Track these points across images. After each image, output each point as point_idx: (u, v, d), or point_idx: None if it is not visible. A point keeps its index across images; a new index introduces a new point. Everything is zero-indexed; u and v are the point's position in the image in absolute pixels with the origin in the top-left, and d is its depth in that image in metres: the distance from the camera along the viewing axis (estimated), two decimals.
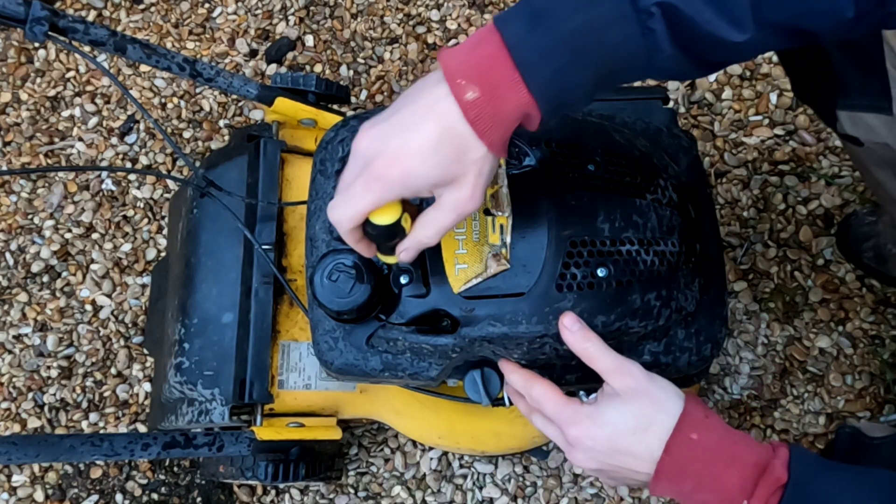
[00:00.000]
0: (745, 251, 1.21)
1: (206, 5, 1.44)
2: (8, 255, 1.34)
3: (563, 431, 0.66)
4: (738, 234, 1.22)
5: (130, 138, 1.38)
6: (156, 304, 1.17)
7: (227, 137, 1.36)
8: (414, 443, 1.19)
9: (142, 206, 1.34)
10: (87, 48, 1.31)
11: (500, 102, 0.53)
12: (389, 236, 0.62)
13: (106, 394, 1.26)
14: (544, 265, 0.69)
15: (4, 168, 1.39)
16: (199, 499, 1.21)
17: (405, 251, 0.62)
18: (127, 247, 1.32)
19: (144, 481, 1.22)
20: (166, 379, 1.01)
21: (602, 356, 0.66)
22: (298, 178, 1.03)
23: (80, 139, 1.39)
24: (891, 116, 0.72)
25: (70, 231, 1.34)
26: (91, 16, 1.45)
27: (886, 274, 1.14)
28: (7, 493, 1.22)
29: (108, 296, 1.30)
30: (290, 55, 1.40)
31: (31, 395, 1.27)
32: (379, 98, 1.36)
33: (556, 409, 0.67)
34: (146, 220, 1.33)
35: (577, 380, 0.75)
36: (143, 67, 1.41)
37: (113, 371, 1.27)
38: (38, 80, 1.43)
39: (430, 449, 1.18)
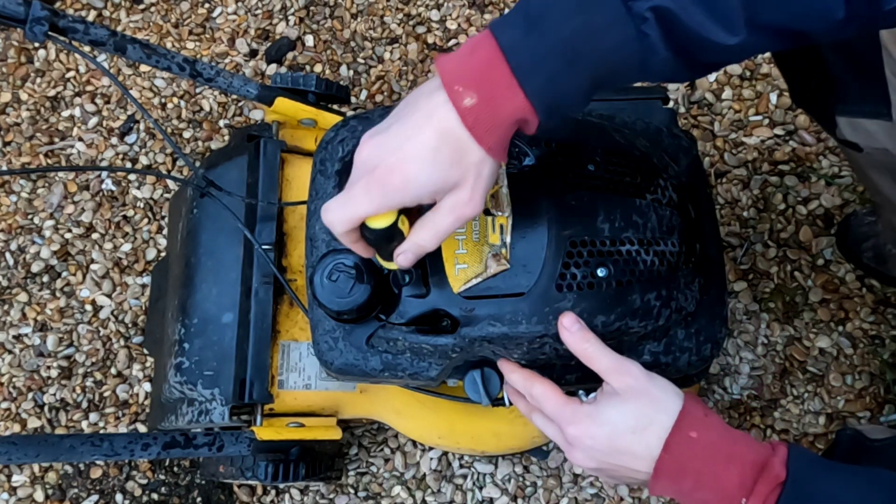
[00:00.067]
0: (745, 251, 1.21)
1: (206, 5, 1.44)
2: (8, 255, 1.34)
3: (563, 430, 0.66)
4: (738, 234, 1.22)
5: (130, 138, 1.38)
6: (156, 304, 1.17)
7: (227, 137, 1.36)
8: (414, 443, 1.19)
9: (142, 206, 1.34)
10: (87, 48, 1.31)
11: (497, 107, 0.53)
12: (387, 239, 0.62)
13: (106, 394, 1.26)
14: (544, 265, 0.69)
15: (4, 168, 1.39)
16: (199, 499, 1.21)
17: (403, 254, 0.62)
18: (127, 247, 1.32)
19: (144, 481, 1.22)
20: (166, 379, 1.01)
21: (601, 356, 0.66)
22: (298, 178, 1.03)
23: (80, 139, 1.39)
24: (890, 122, 0.72)
25: (70, 231, 1.34)
26: (91, 16, 1.45)
27: (886, 274, 1.14)
28: (7, 493, 1.22)
29: (108, 296, 1.30)
30: (290, 55, 1.40)
31: (31, 395, 1.27)
32: (379, 98, 1.36)
33: (555, 409, 0.67)
34: (146, 220, 1.33)
35: (577, 380, 0.75)
36: (143, 67, 1.41)
37: (113, 371, 1.27)
38: (38, 80, 1.43)
39: (430, 449, 1.18)
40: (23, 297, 1.32)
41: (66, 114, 1.41)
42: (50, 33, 0.85)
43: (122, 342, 1.28)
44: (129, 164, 1.37)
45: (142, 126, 1.39)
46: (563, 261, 0.69)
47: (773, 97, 1.27)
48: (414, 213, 0.62)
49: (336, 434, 0.99)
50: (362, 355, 0.76)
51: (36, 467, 1.24)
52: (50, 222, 1.35)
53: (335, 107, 1.13)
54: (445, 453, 1.18)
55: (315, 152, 0.82)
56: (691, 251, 0.76)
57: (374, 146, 0.57)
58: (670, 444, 0.62)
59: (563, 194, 0.71)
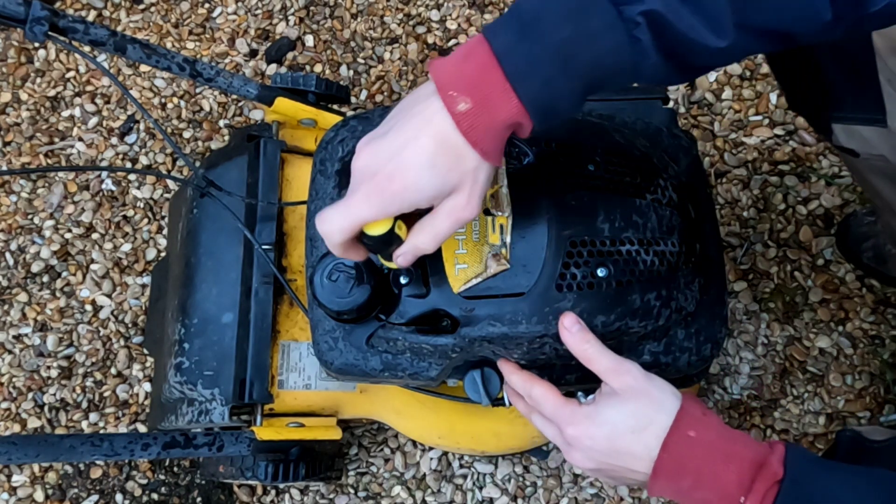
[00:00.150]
0: (745, 251, 1.21)
1: (206, 5, 1.44)
2: (8, 255, 1.34)
3: (562, 431, 0.66)
4: (738, 234, 1.22)
5: (130, 138, 1.38)
6: (156, 304, 1.18)
7: (227, 137, 1.36)
8: (414, 443, 1.19)
9: (142, 206, 1.34)
10: (87, 48, 1.31)
11: (491, 112, 0.54)
12: (385, 244, 0.62)
13: (106, 394, 1.26)
14: (544, 265, 0.69)
15: (4, 168, 1.39)
16: (199, 499, 1.21)
17: (402, 256, 0.62)
18: (127, 247, 1.32)
19: (144, 481, 1.22)
20: (166, 379, 1.01)
21: (600, 357, 0.66)
22: (298, 178, 1.03)
23: (80, 139, 1.39)
24: (886, 129, 0.72)
25: (70, 231, 1.34)
26: (91, 16, 1.45)
27: (886, 274, 1.14)
28: (7, 493, 1.22)
29: (108, 296, 1.30)
30: (290, 55, 1.40)
31: (31, 395, 1.27)
32: (379, 98, 1.36)
33: (554, 410, 0.67)
34: (146, 220, 1.33)
35: (577, 380, 0.75)
36: (143, 67, 1.41)
37: (113, 371, 1.27)
38: (38, 80, 1.43)
39: (430, 449, 1.18)
40: (23, 297, 1.32)
41: (66, 114, 1.41)
42: (50, 33, 0.85)
43: (122, 342, 1.28)
44: (129, 164, 1.37)
45: (142, 126, 1.39)
46: (563, 261, 0.69)
47: (773, 97, 1.27)
48: (411, 216, 0.62)
49: (336, 434, 0.99)
50: (362, 355, 0.76)
51: (36, 467, 1.24)
52: (50, 222, 1.35)
53: (335, 107, 1.13)
54: (445, 453, 1.18)
55: (315, 152, 0.82)
56: (691, 251, 0.76)
57: (370, 153, 0.58)
58: (668, 443, 0.62)
59: (563, 194, 0.71)
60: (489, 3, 1.39)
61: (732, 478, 0.59)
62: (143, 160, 1.37)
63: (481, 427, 1.01)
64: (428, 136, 0.55)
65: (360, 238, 0.62)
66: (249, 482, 1.13)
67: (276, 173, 1.00)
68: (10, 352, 1.29)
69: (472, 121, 0.54)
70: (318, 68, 1.38)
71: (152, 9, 1.45)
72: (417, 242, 0.61)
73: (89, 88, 1.42)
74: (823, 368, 1.16)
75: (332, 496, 1.18)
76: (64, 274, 1.32)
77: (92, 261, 1.32)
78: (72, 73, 1.43)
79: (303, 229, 0.88)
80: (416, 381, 0.77)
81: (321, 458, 1.04)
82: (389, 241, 0.61)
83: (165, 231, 1.31)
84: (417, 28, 1.39)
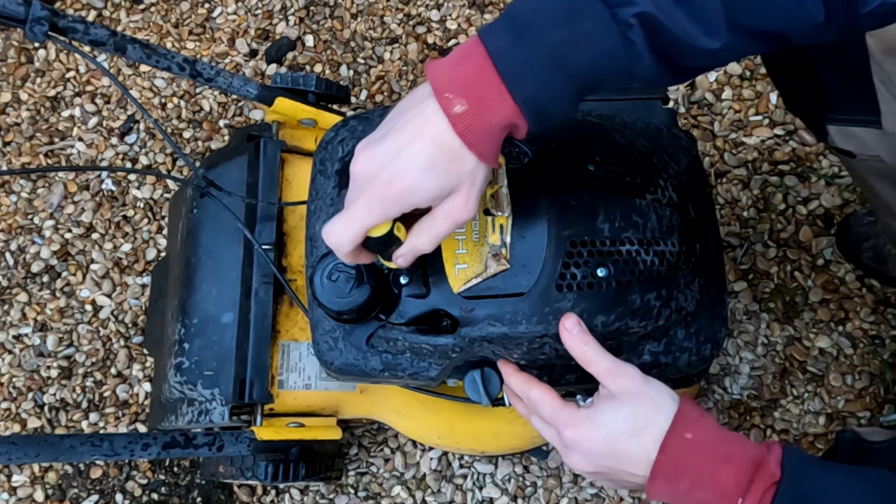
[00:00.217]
0: (745, 251, 1.21)
1: (206, 5, 1.44)
2: (8, 255, 1.34)
3: (560, 434, 0.66)
4: (738, 234, 1.22)
5: (130, 138, 1.38)
6: (156, 304, 1.18)
7: (227, 137, 1.36)
8: (414, 443, 1.19)
9: (142, 206, 1.34)
10: (87, 48, 1.31)
11: (487, 114, 0.54)
12: (385, 246, 0.63)
13: (106, 394, 1.26)
14: (544, 265, 0.69)
15: (4, 168, 1.39)
16: (199, 499, 1.21)
17: (402, 257, 0.63)
18: (127, 247, 1.32)
19: (144, 481, 1.22)
20: (166, 379, 1.01)
21: (599, 359, 0.66)
22: (298, 178, 1.03)
23: (80, 139, 1.39)
24: (881, 130, 0.72)
25: (70, 231, 1.34)
26: (91, 16, 1.45)
27: (886, 274, 1.14)
28: (7, 493, 1.22)
29: (108, 296, 1.30)
30: (290, 55, 1.40)
31: (31, 395, 1.27)
32: (379, 98, 1.36)
33: (552, 412, 0.67)
34: (146, 220, 1.33)
35: (577, 380, 0.75)
36: (143, 67, 1.41)
37: (113, 371, 1.27)
38: (38, 80, 1.43)
39: (430, 449, 1.18)
40: (23, 297, 1.32)
41: (66, 114, 1.41)
42: (50, 33, 0.85)
43: (122, 342, 1.28)
44: (129, 164, 1.37)
45: (142, 126, 1.39)
46: (563, 261, 0.69)
47: (773, 97, 1.27)
48: (410, 216, 0.62)
49: (336, 434, 0.99)
50: (362, 355, 0.76)
51: (36, 467, 1.24)
52: (50, 222, 1.35)
53: (335, 107, 1.13)
54: (445, 453, 1.18)
55: (315, 152, 0.82)
56: (691, 251, 0.76)
57: (368, 157, 0.58)
58: (666, 446, 0.62)
59: (563, 194, 0.71)
60: (489, 3, 1.39)
61: (730, 478, 0.60)
62: (143, 160, 1.37)
63: (481, 427, 1.01)
64: (425, 139, 0.56)
65: (362, 241, 0.62)
66: (249, 482, 1.13)
67: (276, 173, 1.00)
68: (10, 352, 1.29)
69: (468, 122, 0.54)
70: (318, 68, 1.38)
71: (152, 9, 1.45)
72: (416, 243, 0.62)
73: (89, 88, 1.42)
74: (823, 368, 1.16)
75: (332, 496, 1.18)
76: (64, 274, 1.32)
77: (92, 261, 1.32)
78: (72, 73, 1.43)
79: (303, 229, 0.88)
80: (416, 381, 0.77)
81: (321, 458, 1.04)
82: (389, 243, 0.62)
83: (165, 231, 1.31)
84: (417, 28, 1.39)
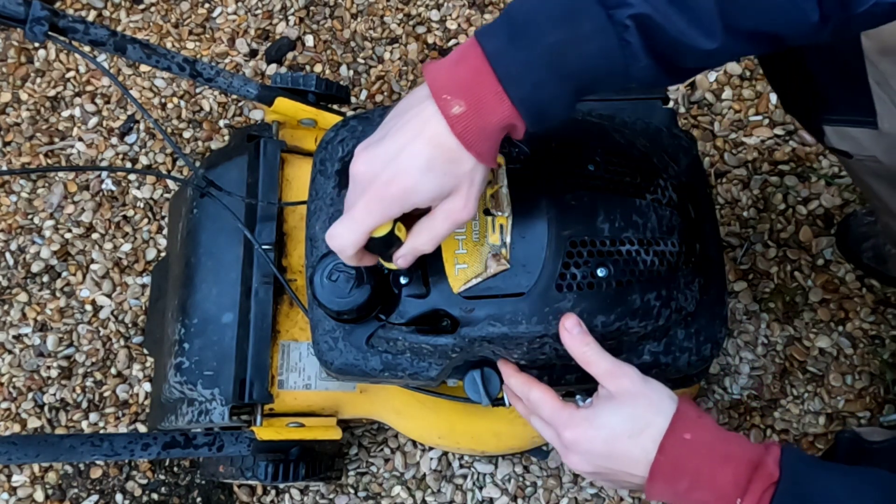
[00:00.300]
0: (745, 251, 1.21)
1: (206, 5, 1.44)
2: (8, 255, 1.34)
3: (560, 435, 0.66)
4: (738, 234, 1.22)
5: (130, 138, 1.38)
6: (156, 304, 1.18)
7: (227, 137, 1.36)
8: (414, 443, 1.19)
9: (142, 206, 1.34)
10: (87, 48, 1.31)
11: (485, 115, 0.54)
12: (385, 246, 0.63)
13: (106, 394, 1.26)
14: (544, 265, 0.69)
15: (4, 168, 1.39)
16: (199, 499, 1.21)
17: (402, 257, 0.64)
18: (127, 247, 1.32)
19: (144, 481, 1.22)
20: (166, 379, 1.01)
21: (598, 360, 0.67)
22: (298, 178, 1.03)
23: (80, 139, 1.39)
24: (877, 131, 0.72)
25: (70, 231, 1.34)
26: (91, 16, 1.45)
27: (886, 274, 1.14)
28: (7, 493, 1.22)
29: (108, 296, 1.30)
30: (290, 55, 1.40)
31: (31, 395, 1.27)
32: (379, 98, 1.36)
33: (552, 413, 0.67)
34: (146, 220, 1.33)
35: (577, 380, 0.75)
36: (143, 67, 1.41)
37: (113, 371, 1.27)
38: (38, 80, 1.43)
39: (430, 449, 1.18)
40: (23, 297, 1.32)
41: (66, 114, 1.41)
42: (50, 33, 0.85)
43: (122, 342, 1.28)
44: (129, 164, 1.37)
45: (142, 126, 1.39)
46: (563, 261, 0.69)
47: (773, 97, 1.27)
48: (410, 216, 0.62)
49: (336, 434, 0.99)
50: (362, 355, 0.76)
51: (36, 467, 1.24)
52: (50, 222, 1.35)
53: (335, 107, 1.13)
54: (445, 453, 1.18)
55: (315, 152, 0.82)
56: (691, 251, 0.76)
57: (368, 159, 0.59)
58: (665, 445, 0.62)
59: (563, 194, 0.71)
60: (489, 3, 1.39)
61: (729, 479, 0.60)
62: (143, 160, 1.37)
63: (481, 427, 1.01)
64: (423, 140, 0.56)
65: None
66: (249, 482, 1.13)
67: (276, 173, 1.00)
68: (10, 352, 1.29)
69: (467, 123, 0.55)
70: (318, 68, 1.38)
71: (152, 9, 1.45)
72: (416, 244, 0.62)
73: (89, 88, 1.42)
74: (823, 368, 1.16)
75: (332, 496, 1.18)
76: (64, 274, 1.32)
77: (92, 261, 1.32)
78: (72, 73, 1.43)
79: (303, 229, 0.88)
80: (416, 381, 0.77)
81: (321, 458, 1.04)
82: (390, 243, 0.63)
83: (165, 231, 1.31)
84: (417, 28, 1.39)
